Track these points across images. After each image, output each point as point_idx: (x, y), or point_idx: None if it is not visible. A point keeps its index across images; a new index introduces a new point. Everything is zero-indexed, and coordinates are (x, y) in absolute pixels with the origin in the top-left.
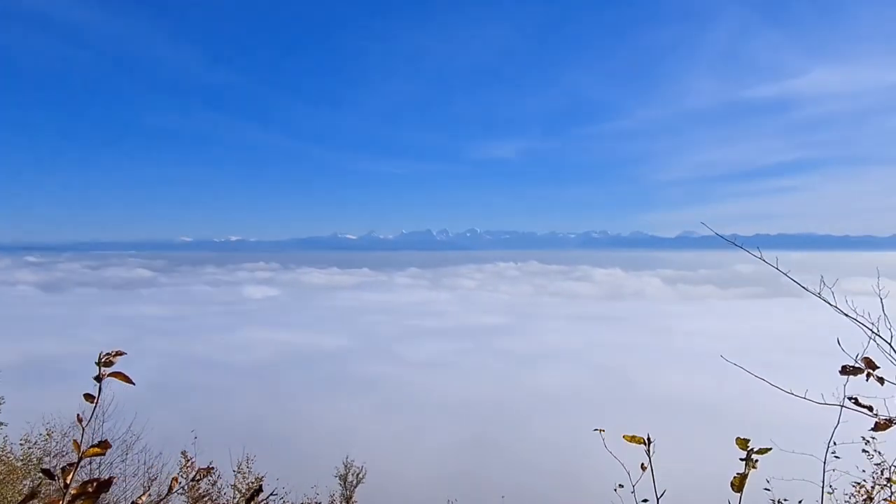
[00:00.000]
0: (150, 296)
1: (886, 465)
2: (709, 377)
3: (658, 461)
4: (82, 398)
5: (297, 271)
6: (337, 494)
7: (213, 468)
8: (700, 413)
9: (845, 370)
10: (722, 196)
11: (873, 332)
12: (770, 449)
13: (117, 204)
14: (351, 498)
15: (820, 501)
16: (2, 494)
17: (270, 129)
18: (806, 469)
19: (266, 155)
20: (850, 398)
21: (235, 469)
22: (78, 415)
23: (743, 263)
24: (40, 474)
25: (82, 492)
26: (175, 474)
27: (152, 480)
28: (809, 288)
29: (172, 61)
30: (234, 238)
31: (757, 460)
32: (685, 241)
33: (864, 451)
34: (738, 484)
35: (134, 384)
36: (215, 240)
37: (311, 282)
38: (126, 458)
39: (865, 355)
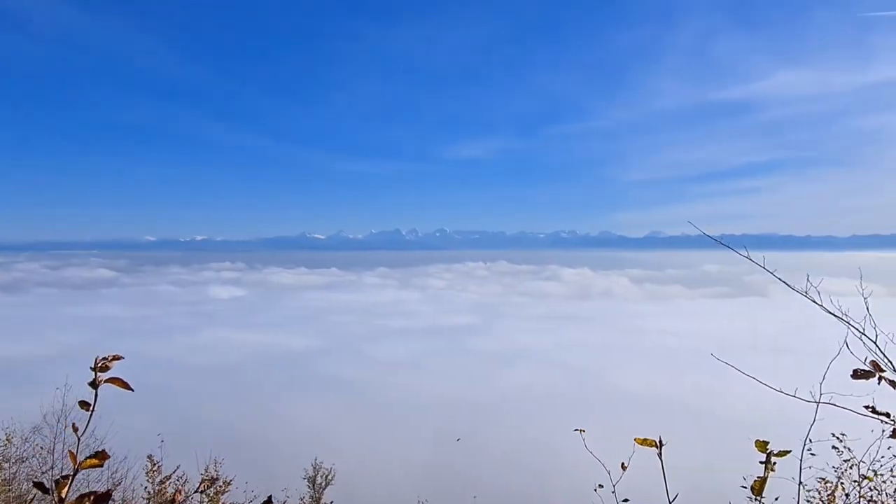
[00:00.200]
0: (113, 296)
1: (855, 462)
2: (678, 375)
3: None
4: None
5: (265, 271)
6: (307, 497)
7: (229, 481)
8: (670, 411)
9: (857, 374)
10: (689, 197)
11: (859, 331)
12: (790, 451)
13: (78, 202)
14: (320, 500)
15: (797, 498)
16: None
17: (238, 128)
18: (782, 466)
19: (233, 153)
20: (866, 407)
21: (203, 473)
22: (73, 424)
23: (710, 263)
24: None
25: None
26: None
27: (117, 485)
28: (796, 287)
29: (140, 57)
30: (199, 237)
31: (775, 462)
32: (653, 241)
33: (833, 447)
34: (759, 487)
35: (133, 390)
36: (180, 239)
37: (279, 282)
38: None
39: (847, 352)
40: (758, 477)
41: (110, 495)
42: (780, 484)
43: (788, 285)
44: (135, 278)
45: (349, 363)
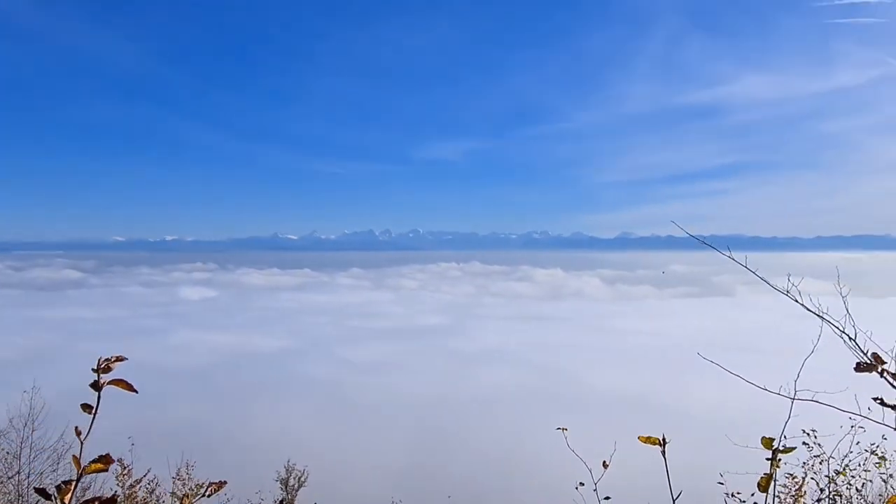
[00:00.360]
0: (80, 297)
1: (825, 457)
2: (650, 374)
3: (615, 458)
4: (80, 408)
5: (236, 272)
6: (280, 498)
7: (223, 482)
8: (643, 409)
9: (860, 367)
10: (658, 198)
11: (840, 329)
12: (794, 448)
13: (43, 201)
14: (293, 502)
15: (773, 494)
16: None
17: (210, 127)
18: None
19: (204, 153)
20: (874, 398)
21: (174, 476)
22: (76, 427)
23: (678, 264)
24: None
25: None
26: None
27: (86, 490)
28: (778, 287)
29: (106, 55)
30: (169, 238)
31: (781, 459)
32: (623, 242)
33: (804, 443)
34: (765, 484)
35: (137, 392)
36: (150, 239)
37: (251, 283)
38: (57, 468)
39: (821, 349)
40: (764, 473)
41: (115, 501)
42: (756, 480)
43: (772, 286)
44: (103, 279)
45: (322, 364)
